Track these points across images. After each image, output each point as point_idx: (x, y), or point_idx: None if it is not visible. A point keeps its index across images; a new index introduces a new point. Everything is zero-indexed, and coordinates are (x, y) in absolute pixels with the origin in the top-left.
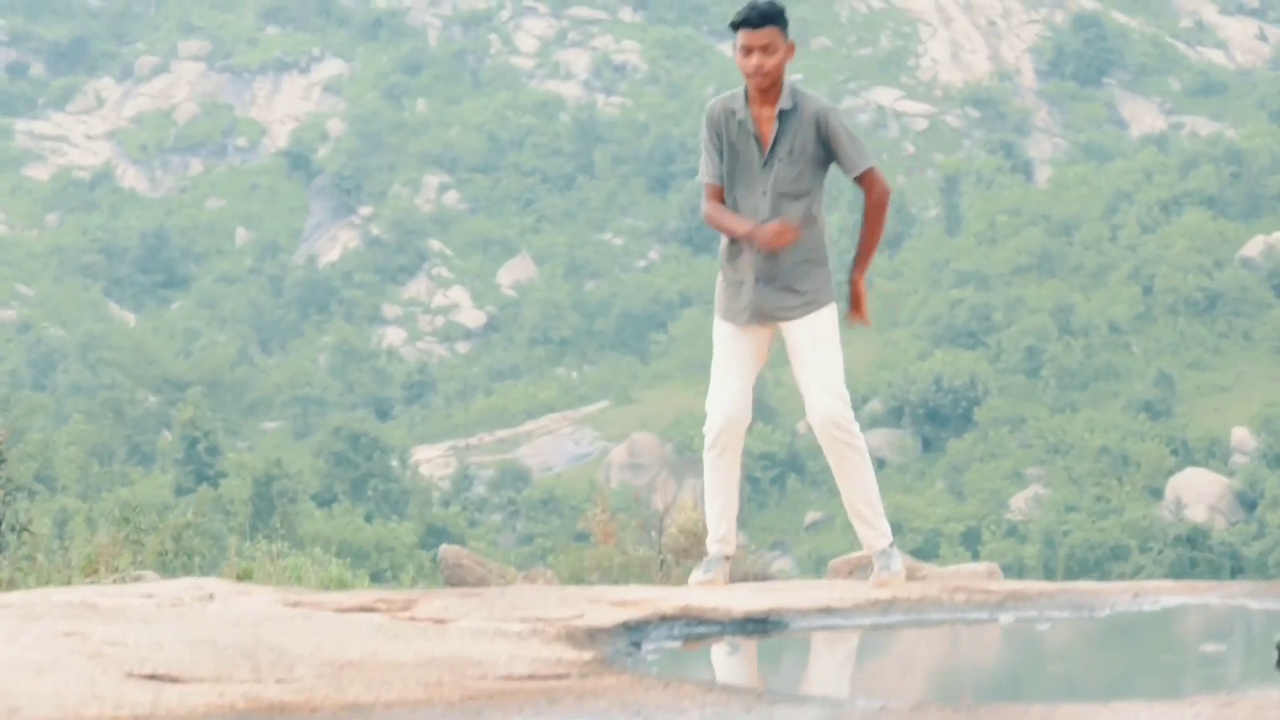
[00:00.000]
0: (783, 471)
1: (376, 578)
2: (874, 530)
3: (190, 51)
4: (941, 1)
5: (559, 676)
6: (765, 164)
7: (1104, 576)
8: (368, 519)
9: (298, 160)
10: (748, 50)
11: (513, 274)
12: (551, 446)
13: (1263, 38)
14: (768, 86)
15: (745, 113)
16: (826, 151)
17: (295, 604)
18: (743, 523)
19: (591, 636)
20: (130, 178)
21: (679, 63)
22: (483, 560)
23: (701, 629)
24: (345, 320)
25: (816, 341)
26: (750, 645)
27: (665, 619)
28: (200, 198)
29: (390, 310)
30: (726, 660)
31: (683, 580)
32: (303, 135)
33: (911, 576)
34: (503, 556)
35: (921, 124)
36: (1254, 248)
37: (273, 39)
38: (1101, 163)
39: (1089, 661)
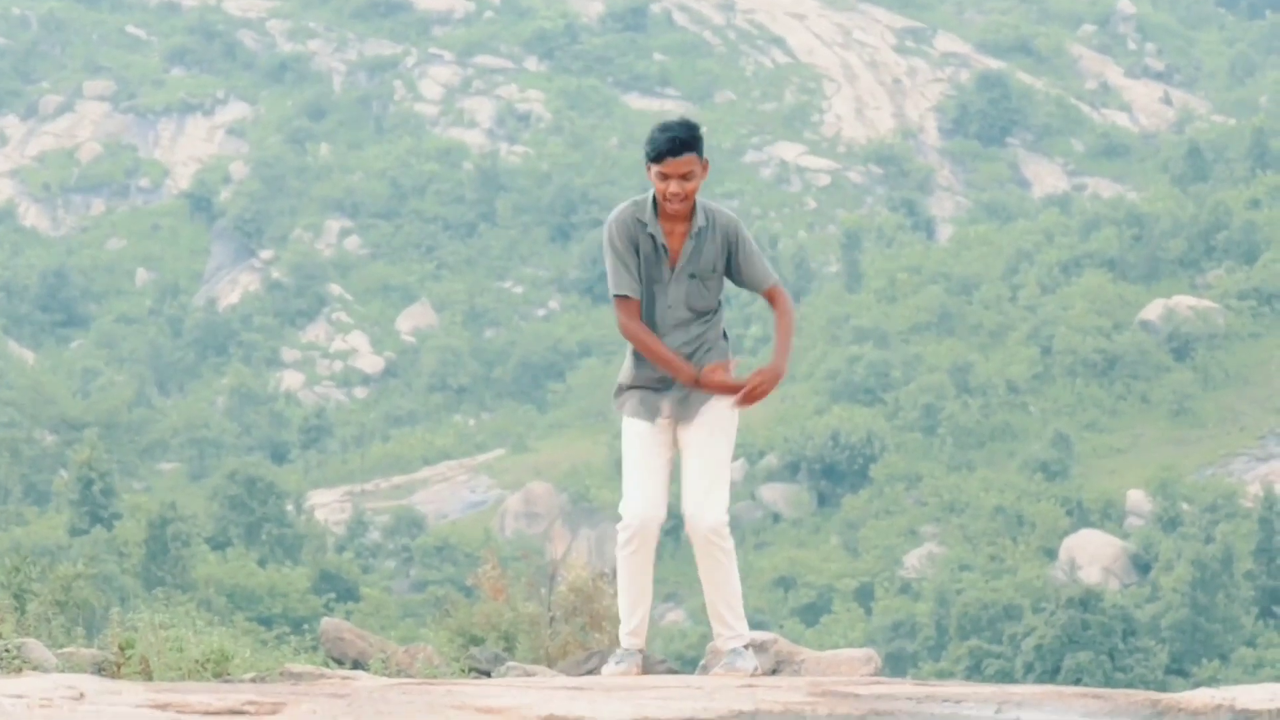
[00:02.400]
0: (677, 524)
1: (266, 622)
2: (730, 630)
3: (95, 91)
4: (846, 58)
5: None
6: (673, 277)
7: (996, 637)
8: (261, 563)
9: (200, 202)
10: (665, 177)
11: (412, 320)
12: (447, 494)
13: (1167, 101)
14: (684, 213)
15: (655, 225)
16: (729, 266)
17: (164, 706)
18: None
19: None
20: (32, 216)
21: (583, 113)
22: (363, 634)
23: None
24: (244, 363)
25: (710, 441)
26: None
27: None
28: (101, 237)
29: (289, 354)
30: None
31: (572, 639)
32: (205, 177)
33: (787, 662)
34: (395, 605)
35: (824, 180)
36: (1153, 311)
37: (178, 81)
38: (1003, 222)
39: None
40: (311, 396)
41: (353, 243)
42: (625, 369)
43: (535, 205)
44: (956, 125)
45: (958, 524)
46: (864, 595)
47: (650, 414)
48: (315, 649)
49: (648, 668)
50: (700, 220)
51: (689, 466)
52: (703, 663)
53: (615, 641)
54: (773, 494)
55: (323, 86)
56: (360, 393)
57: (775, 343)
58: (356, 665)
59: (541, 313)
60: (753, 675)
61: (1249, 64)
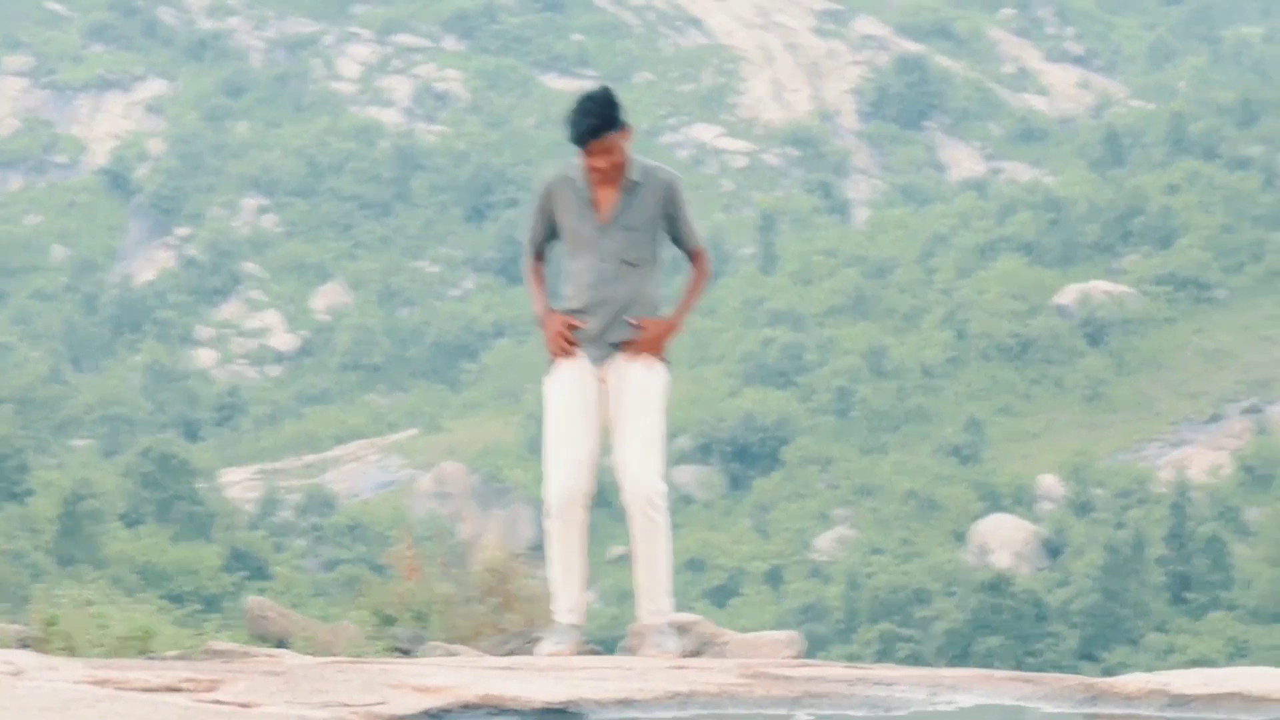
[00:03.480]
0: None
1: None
2: (654, 605)
3: (13, 67)
4: (765, 40)
5: None
6: (606, 230)
7: (906, 620)
8: (174, 541)
9: (117, 179)
10: (589, 156)
11: (327, 299)
12: (359, 473)
13: (1085, 86)
14: (614, 180)
15: (584, 181)
16: (667, 221)
17: (103, 682)
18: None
19: None
20: None
21: (501, 93)
22: (286, 612)
23: (501, 718)
24: (158, 340)
25: (643, 407)
26: None
27: (467, 707)
28: (18, 213)
29: (203, 332)
30: None
31: (487, 620)
32: (123, 154)
33: (710, 644)
34: (307, 583)
35: (741, 161)
36: (1068, 295)
37: (96, 57)
38: (919, 206)
39: None
40: (225, 374)
41: (269, 220)
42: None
43: (452, 185)
44: (874, 108)
45: (869, 507)
46: (774, 578)
47: (575, 372)
48: (232, 627)
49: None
50: (635, 175)
51: (621, 435)
52: (624, 643)
53: (530, 621)
54: (684, 476)
55: (241, 64)
56: (274, 371)
57: (681, 298)
58: (280, 644)
59: (456, 292)
60: (680, 656)
61: (1168, 49)
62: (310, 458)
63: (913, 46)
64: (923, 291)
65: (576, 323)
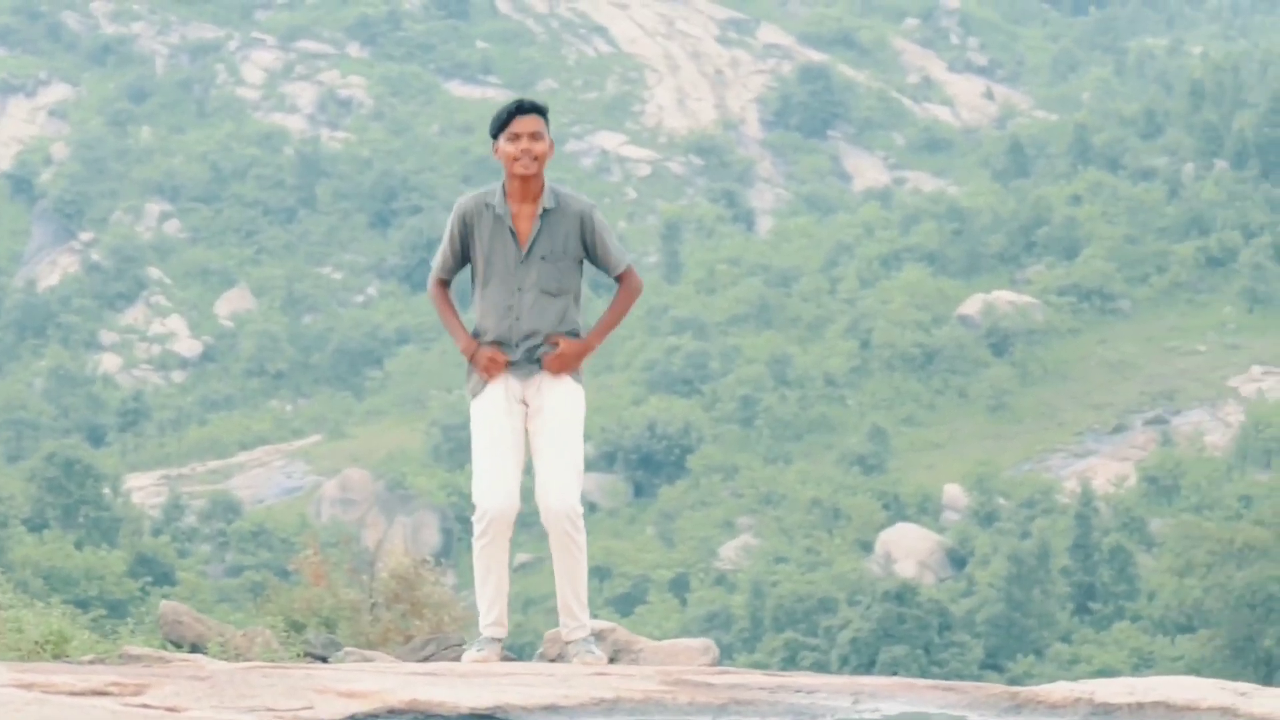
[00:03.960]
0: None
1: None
2: (575, 621)
3: None
4: (669, 49)
5: None
6: (523, 261)
7: (811, 630)
8: (78, 546)
9: (20, 183)
10: (516, 137)
11: (231, 305)
12: (263, 479)
13: (989, 96)
14: (531, 175)
15: (504, 208)
16: (586, 250)
17: (29, 686)
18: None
19: None
20: None
21: (404, 99)
22: (201, 617)
23: None
24: (62, 345)
25: (562, 428)
26: None
27: (394, 712)
28: None
29: (107, 337)
30: None
31: (394, 626)
32: (27, 158)
33: (625, 651)
34: (211, 589)
35: (644, 170)
36: (972, 306)
37: (0, 61)
38: (823, 215)
39: None
40: (129, 379)
41: (172, 226)
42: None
43: (355, 191)
44: (778, 117)
45: (774, 516)
46: (679, 586)
47: (494, 396)
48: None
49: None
50: (549, 202)
51: (541, 455)
52: (540, 651)
53: (437, 627)
54: (589, 484)
55: (145, 69)
56: (178, 376)
57: (602, 317)
58: (194, 648)
59: (360, 299)
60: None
61: (1072, 60)
62: (215, 463)
63: (816, 56)
64: (827, 301)
65: (502, 357)
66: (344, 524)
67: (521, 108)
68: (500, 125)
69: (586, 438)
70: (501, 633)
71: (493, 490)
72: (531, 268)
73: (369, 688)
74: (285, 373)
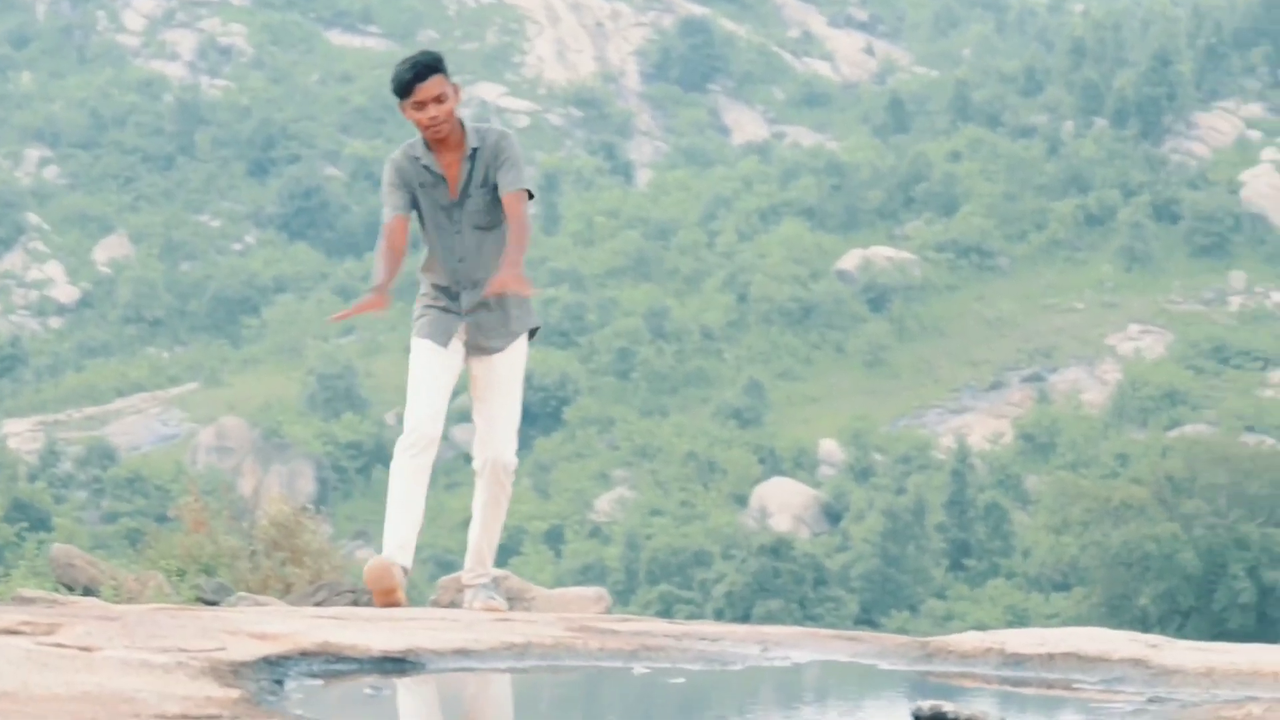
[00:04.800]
0: (369, 462)
1: None
2: (481, 565)
3: None
4: (550, 1)
5: (211, 717)
6: (457, 203)
7: (686, 583)
8: None
9: None
10: (421, 105)
11: (109, 251)
12: (139, 426)
13: (869, 52)
14: (446, 134)
15: (428, 157)
16: (495, 173)
17: None
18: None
19: (235, 672)
20: None
21: (285, 48)
22: (95, 560)
23: (340, 666)
24: None
25: (504, 380)
26: (391, 686)
27: (305, 654)
28: None
29: None
30: (370, 705)
31: (273, 574)
32: None
33: (518, 599)
34: (87, 535)
35: (524, 121)
36: (850, 261)
37: None
38: (702, 168)
39: None
40: (6, 325)
41: (51, 172)
42: (420, 290)
43: (235, 139)
44: (658, 70)
45: (649, 469)
46: (554, 538)
47: (442, 338)
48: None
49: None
50: (473, 141)
51: (483, 406)
52: (433, 599)
53: (317, 575)
54: (465, 434)
55: (26, 15)
56: (55, 323)
57: (507, 246)
58: (87, 591)
59: (238, 247)
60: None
61: (952, 16)
62: (91, 410)
63: (697, 9)
64: (704, 254)
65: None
66: (220, 472)
67: (418, 74)
68: (401, 94)
69: (462, 388)
70: (406, 560)
71: (420, 411)
72: (464, 208)
73: (280, 630)
74: (163, 320)
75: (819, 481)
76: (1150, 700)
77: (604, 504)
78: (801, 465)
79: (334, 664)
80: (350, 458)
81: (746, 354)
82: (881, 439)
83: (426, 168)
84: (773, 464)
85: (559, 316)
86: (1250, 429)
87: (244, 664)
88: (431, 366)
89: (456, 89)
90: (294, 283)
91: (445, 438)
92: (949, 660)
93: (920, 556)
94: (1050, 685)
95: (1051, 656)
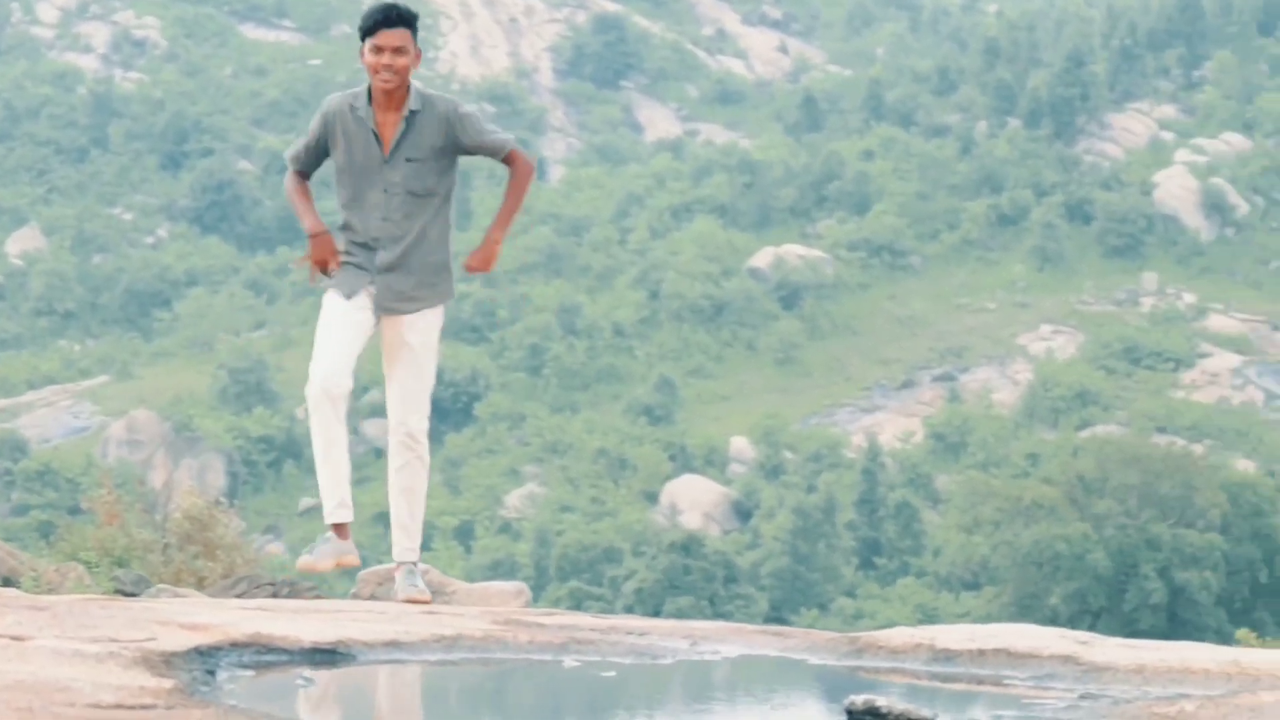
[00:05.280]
0: (280, 456)
1: None
2: (409, 542)
3: None
4: None
5: (145, 707)
6: (388, 162)
7: (596, 579)
8: None
9: None
10: (379, 50)
11: (20, 244)
12: (50, 418)
13: (783, 50)
14: (395, 87)
15: (367, 111)
16: (460, 149)
17: None
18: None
19: (167, 662)
20: None
21: (198, 41)
22: (14, 551)
23: (271, 657)
24: None
25: (418, 346)
26: (322, 678)
27: (236, 645)
28: None
29: None
30: (303, 695)
31: (185, 567)
32: None
33: (439, 592)
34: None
35: None
36: (763, 259)
37: None
38: (615, 165)
39: (658, 715)
40: None
41: None
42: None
43: (148, 132)
44: (571, 67)
45: (560, 465)
46: (464, 533)
47: (350, 292)
48: None
49: (297, 595)
50: (415, 104)
51: (394, 373)
52: (353, 591)
53: (230, 569)
54: (375, 429)
55: None
56: None
57: (504, 202)
58: (7, 582)
59: (150, 240)
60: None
61: (866, 15)
62: (2, 402)
63: (611, 6)
64: (617, 251)
65: (336, 259)
66: (130, 465)
67: (388, 19)
68: (366, 32)
69: (375, 383)
70: (347, 515)
71: (320, 364)
72: (397, 169)
73: (210, 621)
74: (74, 313)
75: (729, 479)
76: (1082, 697)
77: (514, 500)
78: (712, 463)
79: (265, 655)
80: (261, 452)
81: (658, 351)
82: (792, 437)
83: (362, 119)
84: (683, 461)
85: (470, 312)
86: (1161, 430)
87: (176, 654)
88: (340, 320)
89: (418, 54)
90: (206, 276)
91: (354, 432)
92: (879, 655)
93: (830, 555)
94: (981, 681)
95: (982, 652)
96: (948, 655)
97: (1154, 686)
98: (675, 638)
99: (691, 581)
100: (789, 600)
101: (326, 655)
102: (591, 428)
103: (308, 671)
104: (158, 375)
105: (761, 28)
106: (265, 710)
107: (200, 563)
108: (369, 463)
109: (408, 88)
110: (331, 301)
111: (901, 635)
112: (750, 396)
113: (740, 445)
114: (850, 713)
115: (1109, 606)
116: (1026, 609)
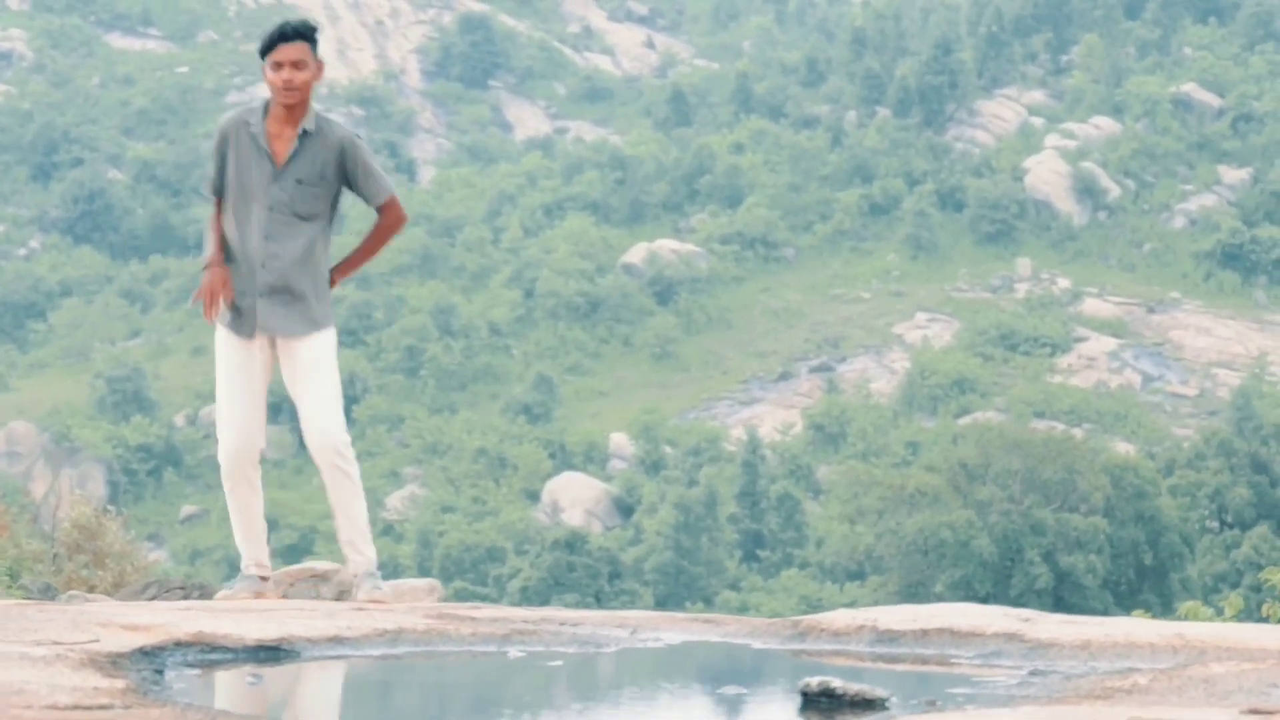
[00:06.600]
0: (159, 464)
1: None
2: (360, 555)
3: None
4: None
5: (103, 707)
6: (275, 180)
7: (480, 579)
8: None
9: None
10: (278, 65)
11: None
12: None
13: (650, 45)
14: (294, 104)
15: (260, 127)
16: (345, 180)
17: None
18: (122, 516)
19: (114, 663)
20: None
21: (65, 52)
22: None
23: (215, 656)
24: None
25: (316, 364)
26: (271, 675)
27: (180, 645)
28: None
29: None
30: (255, 692)
31: (74, 576)
32: None
33: (350, 592)
34: None
35: None
36: (636, 254)
37: None
38: (485, 165)
39: (614, 702)
40: None
41: None
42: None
43: (17, 144)
44: (439, 67)
45: (440, 466)
46: None
47: (239, 325)
48: None
49: (207, 599)
50: (309, 124)
51: (300, 392)
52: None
53: (120, 576)
54: (275, 434)
55: None
56: None
57: (358, 246)
58: None
59: (23, 252)
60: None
61: (732, 9)
62: None
63: (476, 6)
64: (490, 250)
65: (226, 291)
66: (9, 476)
67: (284, 34)
68: (264, 51)
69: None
70: (265, 573)
71: (233, 431)
72: (285, 189)
73: (151, 621)
74: None
75: (610, 475)
76: (1032, 673)
77: (395, 501)
78: (592, 459)
79: (209, 654)
80: (140, 460)
81: (535, 349)
82: (671, 431)
83: (254, 136)
84: (563, 459)
85: (346, 315)
86: (1040, 415)
87: (121, 655)
88: (240, 373)
89: (320, 66)
90: (80, 286)
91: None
92: (821, 639)
93: (713, 548)
94: (926, 661)
95: (925, 632)
96: (891, 636)
97: (1101, 661)
98: (611, 626)
99: (576, 578)
100: (673, 595)
101: (271, 652)
102: (471, 428)
103: (255, 669)
104: (34, 386)
105: (628, 24)
106: (221, 708)
107: (89, 571)
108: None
109: (307, 108)
110: (224, 344)
111: (844, 618)
112: (628, 392)
113: (620, 441)
114: (805, 695)
115: (995, 592)
116: (912, 597)
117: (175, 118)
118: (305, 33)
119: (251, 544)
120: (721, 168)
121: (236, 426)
